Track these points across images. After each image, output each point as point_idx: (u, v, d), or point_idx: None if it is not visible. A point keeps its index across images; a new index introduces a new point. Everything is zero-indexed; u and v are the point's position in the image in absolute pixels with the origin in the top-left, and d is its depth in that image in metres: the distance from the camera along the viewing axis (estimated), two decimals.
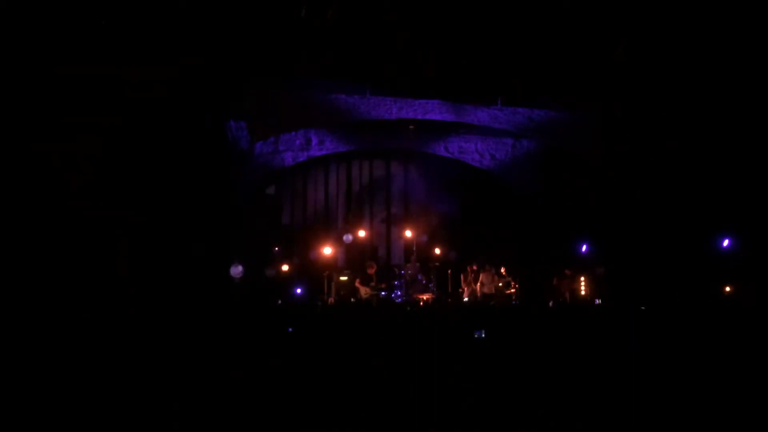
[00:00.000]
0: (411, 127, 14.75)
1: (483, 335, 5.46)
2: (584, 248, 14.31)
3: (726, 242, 13.55)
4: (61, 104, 10.50)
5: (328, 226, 14.70)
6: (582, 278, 14.30)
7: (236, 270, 12.33)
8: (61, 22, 9.95)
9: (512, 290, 13.69)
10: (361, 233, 14.80)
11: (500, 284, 13.55)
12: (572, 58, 11.55)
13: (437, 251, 14.77)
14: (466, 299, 13.55)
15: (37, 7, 9.69)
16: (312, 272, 13.79)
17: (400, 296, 13.85)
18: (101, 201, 10.74)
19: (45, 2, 9.70)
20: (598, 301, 13.04)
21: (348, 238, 14.57)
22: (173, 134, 11.69)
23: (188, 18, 10.33)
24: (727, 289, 12.96)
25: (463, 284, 13.88)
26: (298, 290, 13.47)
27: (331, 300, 13.00)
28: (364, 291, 13.26)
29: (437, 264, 14.45)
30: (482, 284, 13.56)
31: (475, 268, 13.84)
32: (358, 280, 13.41)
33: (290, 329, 8.04)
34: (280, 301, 12.47)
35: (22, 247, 9.94)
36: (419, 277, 14.12)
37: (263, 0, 10.10)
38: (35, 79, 10.24)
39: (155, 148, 11.46)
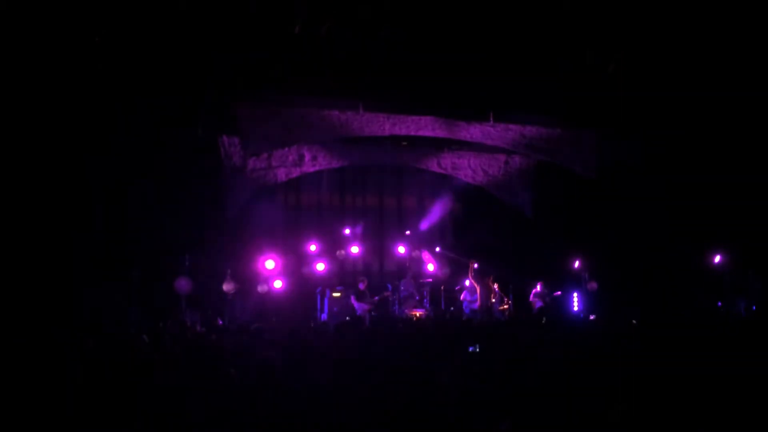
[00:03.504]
0: (404, 143, 14.83)
1: (477, 349, 5.52)
2: (577, 264, 14.36)
3: (717, 258, 13.65)
4: None
5: (321, 242, 14.64)
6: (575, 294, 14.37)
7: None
8: None
9: (505, 306, 13.67)
10: (354, 249, 14.77)
11: (493, 299, 13.50)
12: (564, 74, 11.63)
13: (430, 267, 14.75)
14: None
15: None
16: (305, 289, 13.72)
17: (394, 312, 13.79)
18: None
19: None
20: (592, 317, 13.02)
21: (341, 253, 14.52)
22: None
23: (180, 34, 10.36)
24: (719, 304, 13.04)
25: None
26: None
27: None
28: (359, 308, 13.12)
29: (430, 280, 14.45)
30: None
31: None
32: (353, 297, 13.33)
33: None
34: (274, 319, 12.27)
35: None
36: (413, 292, 14.08)
37: (258, 16, 10.14)
38: None
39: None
